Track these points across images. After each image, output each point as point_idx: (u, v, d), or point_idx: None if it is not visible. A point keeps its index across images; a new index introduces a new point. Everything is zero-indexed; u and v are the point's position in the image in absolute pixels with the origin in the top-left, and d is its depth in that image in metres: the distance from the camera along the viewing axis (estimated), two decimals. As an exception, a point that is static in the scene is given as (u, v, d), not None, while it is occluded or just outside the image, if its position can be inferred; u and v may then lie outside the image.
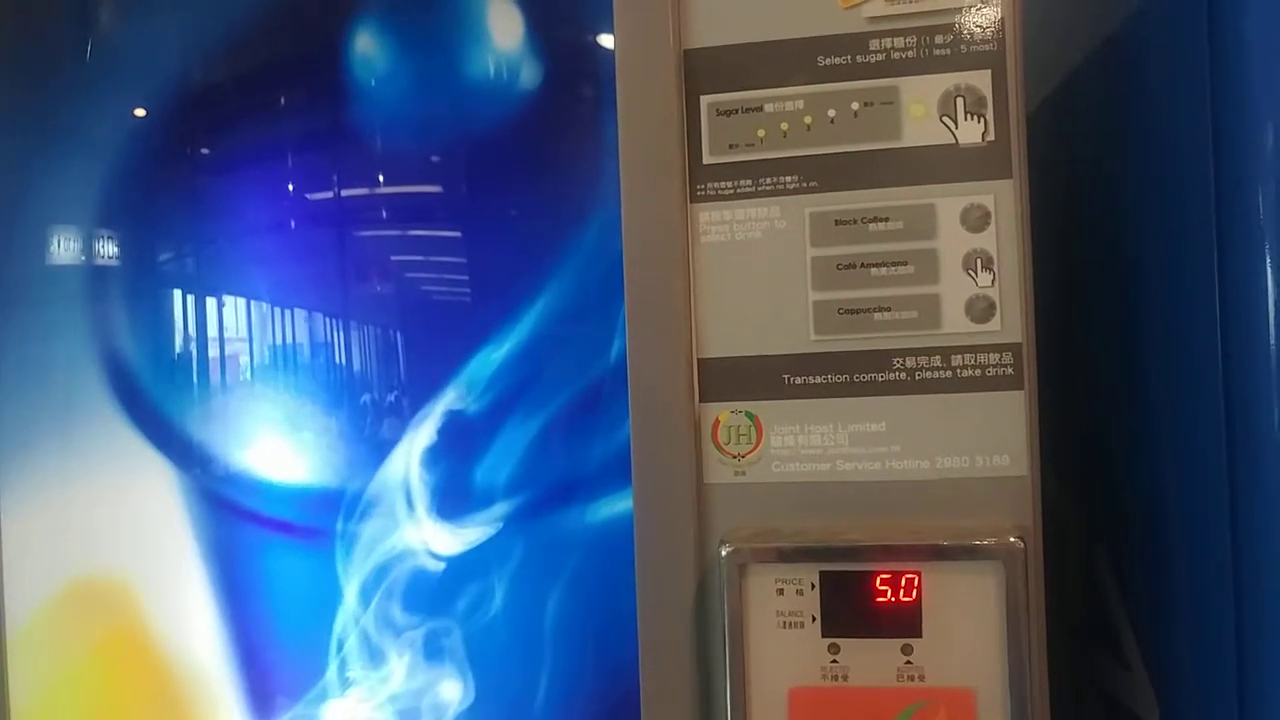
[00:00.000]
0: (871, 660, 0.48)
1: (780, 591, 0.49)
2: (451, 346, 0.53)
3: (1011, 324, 0.50)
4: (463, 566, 0.53)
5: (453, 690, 0.53)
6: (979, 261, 0.50)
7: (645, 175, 0.52)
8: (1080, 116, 0.69)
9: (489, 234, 0.53)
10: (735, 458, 0.52)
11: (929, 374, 0.50)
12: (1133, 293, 0.59)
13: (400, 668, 0.53)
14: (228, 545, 0.56)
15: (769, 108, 0.52)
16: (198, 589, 0.56)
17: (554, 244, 0.52)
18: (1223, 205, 0.47)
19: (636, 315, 0.52)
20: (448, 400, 0.53)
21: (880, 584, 0.48)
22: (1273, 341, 0.44)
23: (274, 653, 0.56)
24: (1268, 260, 0.44)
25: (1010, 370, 0.50)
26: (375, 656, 0.54)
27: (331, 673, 0.55)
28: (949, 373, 0.50)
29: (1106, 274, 0.64)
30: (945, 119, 0.50)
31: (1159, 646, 0.58)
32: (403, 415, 0.53)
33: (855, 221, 0.51)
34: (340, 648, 0.54)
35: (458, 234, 0.53)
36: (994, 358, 0.50)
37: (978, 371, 0.50)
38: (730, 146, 0.52)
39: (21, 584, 0.59)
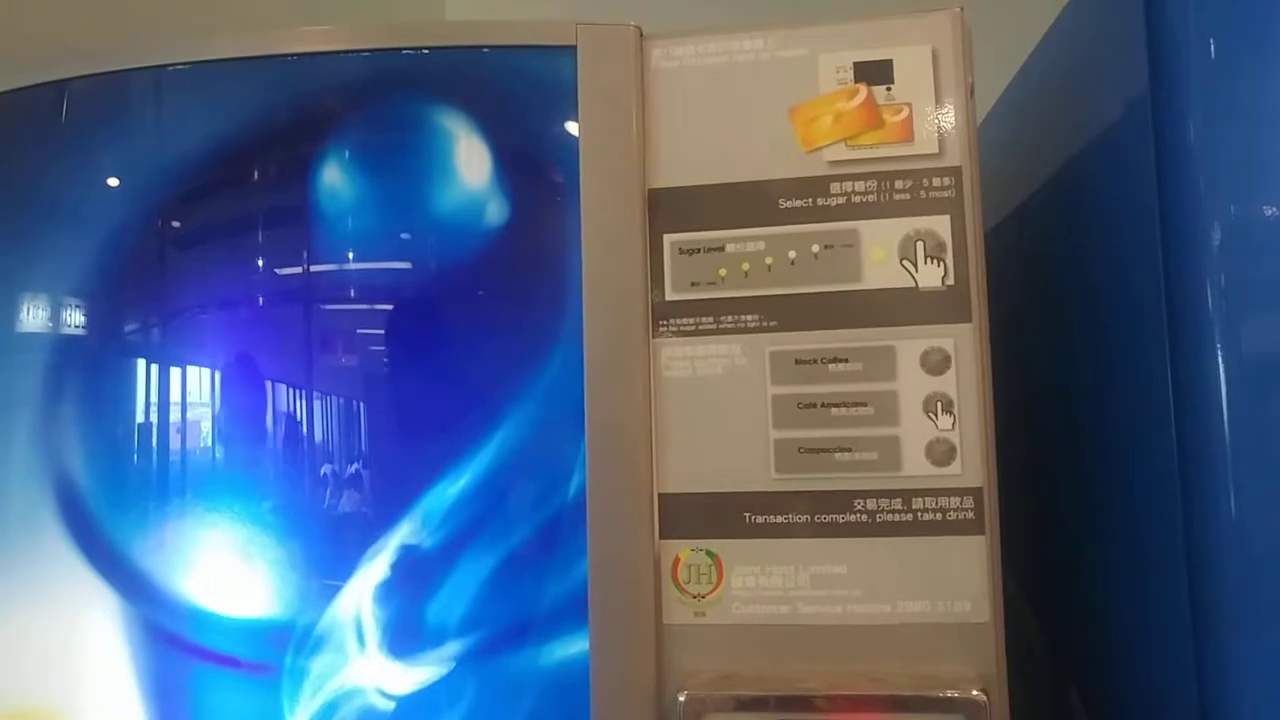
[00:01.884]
0: (833, 819, 0.47)
1: (740, 742, 0.48)
2: (408, 479, 0.52)
3: (972, 467, 0.50)
4: (413, 706, 0.51)
5: (400, 840, 0.51)
6: (939, 404, 0.50)
7: (608, 309, 0.52)
8: (1033, 241, 0.71)
9: (449, 367, 0.53)
10: (695, 598, 0.51)
11: (890, 516, 0.50)
12: (1088, 411, 0.60)
13: (346, 814, 0.51)
14: (170, 680, 0.54)
15: (730, 248, 0.52)
16: (137, 722, 0.54)
17: (515, 378, 0.52)
18: (1173, 302, 0.47)
19: (597, 449, 0.51)
20: (402, 534, 0.52)
21: (840, 736, 0.47)
22: (1227, 438, 0.43)
23: (214, 795, 0.53)
24: (1219, 352, 0.44)
25: (971, 514, 0.49)
26: (320, 800, 0.52)
27: (274, 817, 0.52)
28: (910, 515, 0.50)
29: (1062, 396, 0.64)
30: (905, 263, 0.51)
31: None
32: (356, 549, 0.52)
33: (815, 361, 0.51)
34: (284, 791, 0.52)
35: (418, 366, 0.53)
36: (955, 501, 0.50)
37: (938, 515, 0.50)
38: (692, 284, 0.52)
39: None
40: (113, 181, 0.57)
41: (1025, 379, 0.67)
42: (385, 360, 0.53)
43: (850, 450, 0.50)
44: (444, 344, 0.53)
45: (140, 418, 0.55)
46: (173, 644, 0.54)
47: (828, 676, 0.49)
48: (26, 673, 0.56)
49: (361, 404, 0.54)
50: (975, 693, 0.46)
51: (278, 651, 0.52)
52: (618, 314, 0.52)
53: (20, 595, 0.56)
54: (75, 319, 0.56)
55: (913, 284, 0.51)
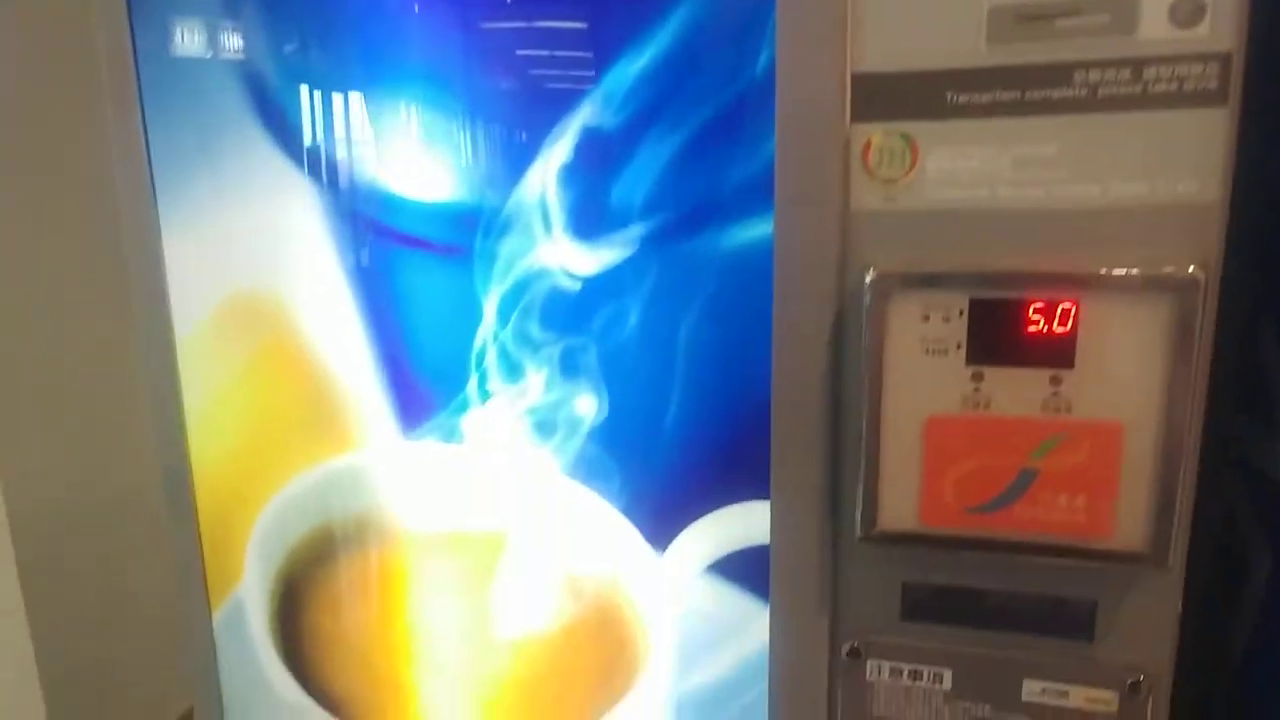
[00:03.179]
0: (1016, 389, 0.46)
1: (926, 318, 0.47)
2: (587, 58, 0.50)
3: (1224, 27, 0.43)
4: (598, 286, 0.53)
5: (588, 405, 0.54)
6: (1193, -45, 0.43)
7: None
8: None
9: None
10: (887, 182, 0.49)
11: (1115, 89, 0.45)
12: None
13: (538, 382, 0.55)
14: (373, 263, 0.57)
15: None
16: (344, 304, 0.59)
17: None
18: None
19: (788, 21, 0.48)
20: (584, 116, 0.51)
21: (1034, 313, 0.46)
22: None
23: (417, 365, 0.58)
24: None
25: (1214, 84, 0.44)
26: (513, 371, 0.56)
27: (472, 385, 0.57)
28: (1139, 88, 0.45)
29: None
30: None
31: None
32: (539, 130, 0.52)
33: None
34: (480, 361, 0.56)
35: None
36: (1196, 69, 0.44)
37: (1174, 86, 0.44)
38: None
39: (184, 299, 0.63)
40: None
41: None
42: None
43: (1078, 13, 0.45)
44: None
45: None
46: (370, 228, 0.57)
47: (1026, 260, 0.47)
48: (245, 263, 0.60)
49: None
50: (1192, 269, 0.44)
51: (468, 234, 0.54)
52: None
53: (230, 193, 0.60)
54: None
55: None
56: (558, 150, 0.52)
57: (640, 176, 0.51)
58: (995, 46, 0.46)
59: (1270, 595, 0.58)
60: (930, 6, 0.47)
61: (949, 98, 0.47)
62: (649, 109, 0.50)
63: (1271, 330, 0.61)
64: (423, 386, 0.58)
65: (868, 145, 0.49)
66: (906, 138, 0.48)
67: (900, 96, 0.48)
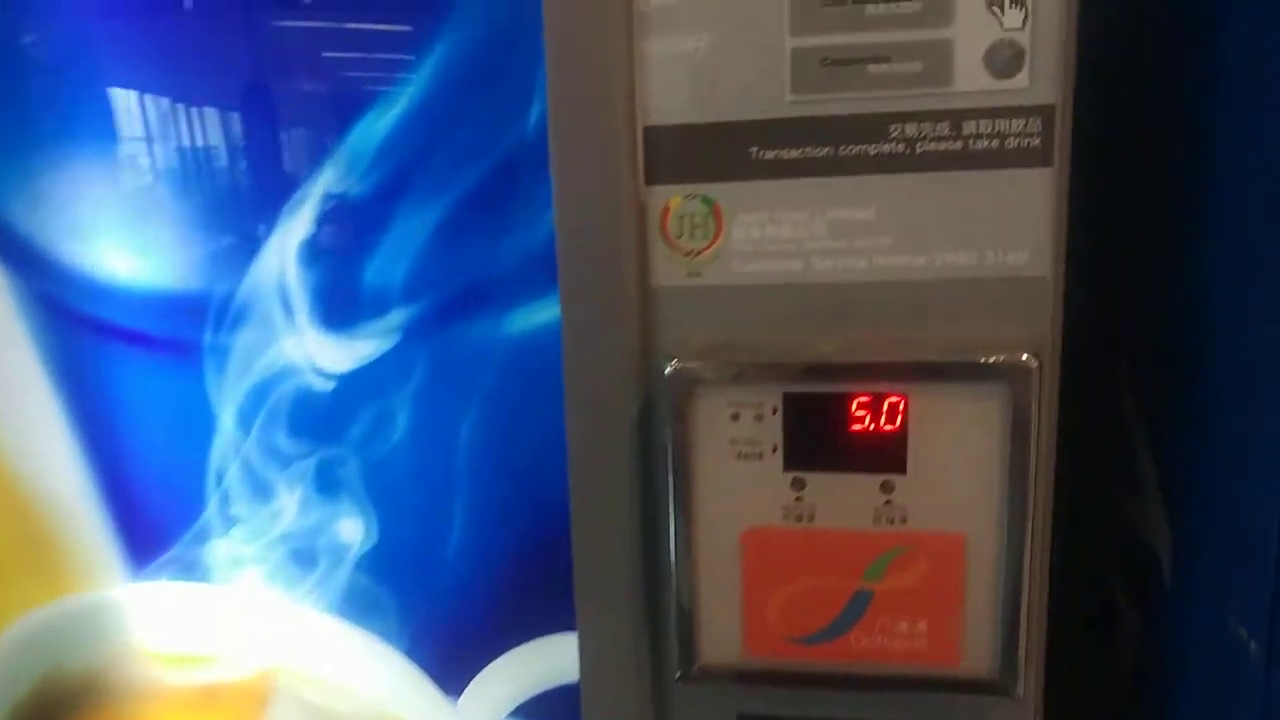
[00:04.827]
0: (844, 499, 0.40)
1: (735, 417, 0.40)
2: (326, 113, 0.41)
3: (1045, 79, 0.38)
4: (356, 385, 0.43)
5: (353, 529, 0.45)
6: (1007, -7, 0.38)
7: None
8: None
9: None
10: (689, 255, 0.42)
11: (934, 145, 0.39)
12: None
13: (291, 503, 0.45)
14: (78, 362, 0.46)
15: None
16: (50, 414, 0.47)
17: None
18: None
19: (561, 68, 0.40)
20: (325, 181, 0.42)
21: (857, 409, 0.39)
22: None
23: (144, 486, 0.47)
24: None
25: (1038, 141, 0.39)
26: (261, 490, 0.45)
27: (212, 509, 0.46)
28: (959, 143, 0.39)
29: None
30: None
31: (1179, 466, 0.50)
32: (273, 199, 0.42)
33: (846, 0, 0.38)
34: (220, 480, 0.46)
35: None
36: (1018, 124, 0.39)
37: (995, 143, 0.39)
38: None
39: None
40: None
41: None
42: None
43: (888, 60, 0.39)
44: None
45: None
46: (73, 321, 0.46)
47: (844, 343, 0.40)
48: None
49: (268, 21, 0.42)
50: (1025, 357, 0.38)
51: (194, 326, 0.44)
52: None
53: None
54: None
55: None
56: (297, 223, 0.42)
57: (399, 252, 0.42)
58: (801, 96, 0.40)
59: (1141, 656, 0.54)
60: (727, 48, 0.40)
61: (753, 154, 0.41)
62: (403, 172, 0.42)
63: (1129, 381, 0.57)
64: (153, 514, 0.47)
65: (666, 211, 0.42)
66: (709, 202, 0.42)
67: (699, 153, 0.41)
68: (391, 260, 0.42)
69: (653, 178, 0.42)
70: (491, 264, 0.42)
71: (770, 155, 0.41)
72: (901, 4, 0.39)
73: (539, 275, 0.42)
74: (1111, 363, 0.57)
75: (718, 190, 0.41)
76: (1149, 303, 0.52)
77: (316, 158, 0.42)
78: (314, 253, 0.43)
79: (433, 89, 0.41)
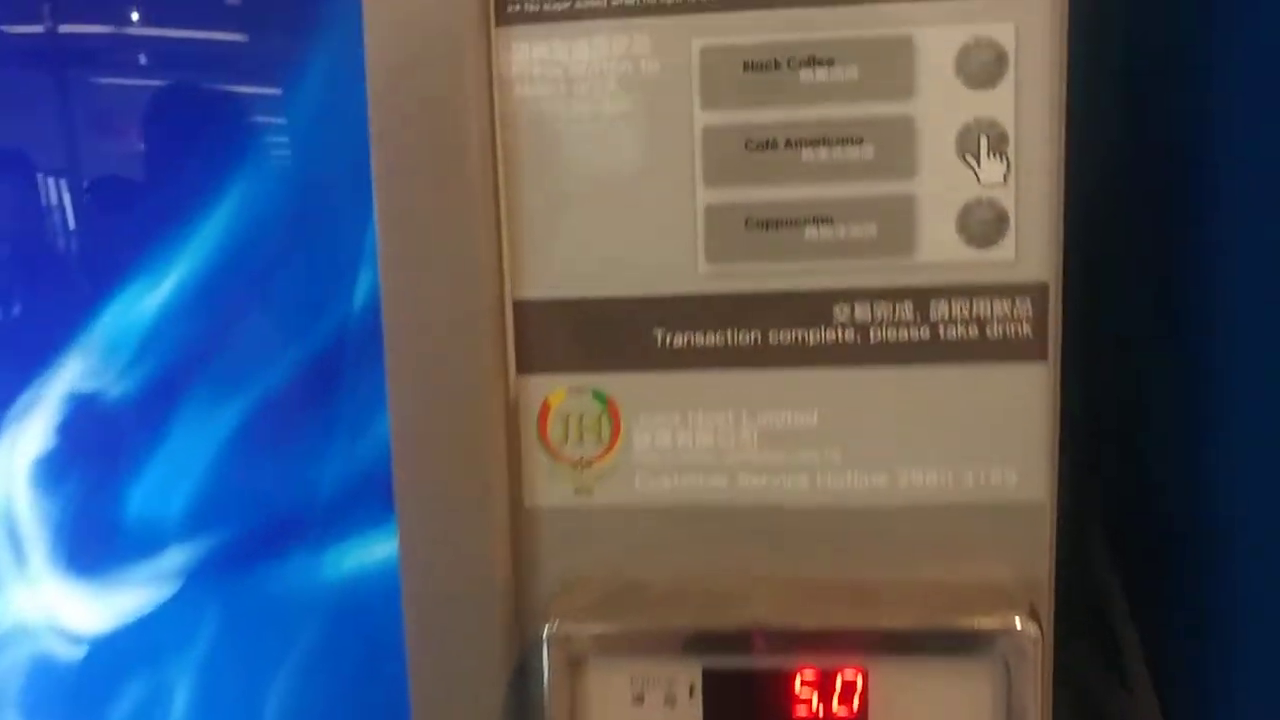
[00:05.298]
0: (786, 812, 0.29)
1: (640, 699, 0.30)
2: (70, 288, 0.30)
3: (1035, 249, 0.29)
4: (117, 651, 0.31)
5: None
6: (985, 140, 0.29)
7: None
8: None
9: (154, 92, 0.30)
10: (577, 466, 0.32)
11: (893, 333, 0.30)
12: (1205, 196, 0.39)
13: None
14: None
15: None
16: None
17: (251, 107, 0.29)
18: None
19: (397, 225, 0.30)
20: (70, 376, 0.30)
21: (801, 687, 0.29)
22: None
23: None
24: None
25: (1027, 328, 0.30)
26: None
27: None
28: (924, 330, 0.30)
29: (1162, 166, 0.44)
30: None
31: (1183, 673, 0.41)
32: (-5, 399, 0.30)
33: (778, 64, 0.29)
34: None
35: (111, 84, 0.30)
36: (1002, 306, 0.30)
37: (973, 330, 0.30)
38: (561, -76, 0.29)
39: None
40: None
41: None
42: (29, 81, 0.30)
43: (831, 221, 0.30)
44: (154, 50, 0.29)
45: None
46: None
47: (782, 598, 0.30)
48: None
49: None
50: (1019, 624, 0.28)
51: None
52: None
53: None
54: None
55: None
56: (28, 433, 0.31)
57: (177, 471, 0.31)
58: (719, 265, 0.30)
59: None
60: (624, 203, 0.30)
61: (659, 338, 0.31)
62: (182, 364, 0.30)
63: (1101, 550, 0.49)
64: None
65: (545, 409, 0.32)
66: (602, 398, 0.31)
67: (589, 336, 0.31)
68: (167, 482, 0.31)
69: (527, 365, 0.31)
70: (308, 484, 0.31)
71: (681, 341, 0.31)
72: (849, 148, 0.29)
73: (372, 498, 0.31)
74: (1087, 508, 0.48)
75: (614, 384, 0.31)
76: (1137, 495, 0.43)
77: (56, 344, 0.30)
78: (54, 473, 0.31)
79: (223, 251, 0.30)
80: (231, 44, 0.30)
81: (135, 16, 0.31)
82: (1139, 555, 0.44)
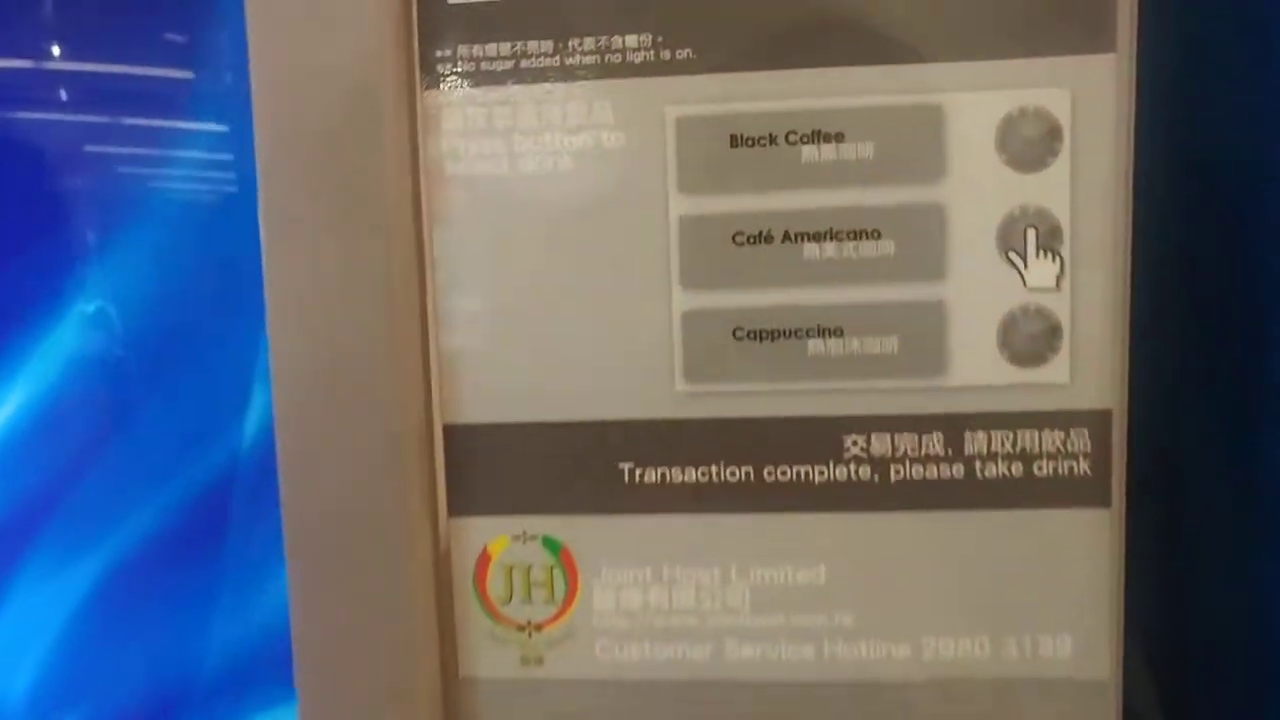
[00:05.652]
0: None
1: None
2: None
3: (1093, 368, 0.24)
4: None
5: None
6: (1033, 234, 0.23)
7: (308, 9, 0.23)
8: None
9: None
10: (523, 630, 0.26)
11: (918, 471, 0.24)
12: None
13: None
14: None
15: None
16: None
17: (113, 190, 0.23)
18: None
19: (295, 333, 0.24)
20: None
21: None
22: None
23: None
24: None
25: (1086, 466, 0.24)
26: None
27: None
28: (957, 468, 0.24)
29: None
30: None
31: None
32: None
33: (773, 138, 0.23)
34: None
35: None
36: (1053, 439, 0.24)
37: (1017, 468, 0.24)
38: (504, -36, 0.23)
39: None
40: None
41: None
42: None
43: (841, 333, 0.24)
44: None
45: None
46: None
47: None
48: None
49: None
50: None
51: None
52: (334, 23, 0.23)
53: None
54: None
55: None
56: None
57: (17, 648, 0.24)
58: (700, 386, 0.24)
59: None
60: (580, 312, 0.24)
61: (626, 475, 0.25)
62: (24, 508, 0.24)
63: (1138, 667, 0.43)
64: None
65: (484, 560, 0.25)
66: (554, 546, 0.25)
67: (539, 470, 0.25)
68: (5, 659, 0.24)
69: (461, 506, 0.25)
70: (184, 660, 0.24)
71: (653, 477, 0.25)
72: (864, 243, 0.24)
73: (266, 675, 0.24)
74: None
75: (569, 529, 0.25)
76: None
77: None
78: None
79: (76, 365, 0.23)
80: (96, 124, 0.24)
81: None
82: (1179, 669, 0.38)
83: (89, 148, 0.25)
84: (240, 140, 0.23)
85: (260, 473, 0.24)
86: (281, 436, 0.24)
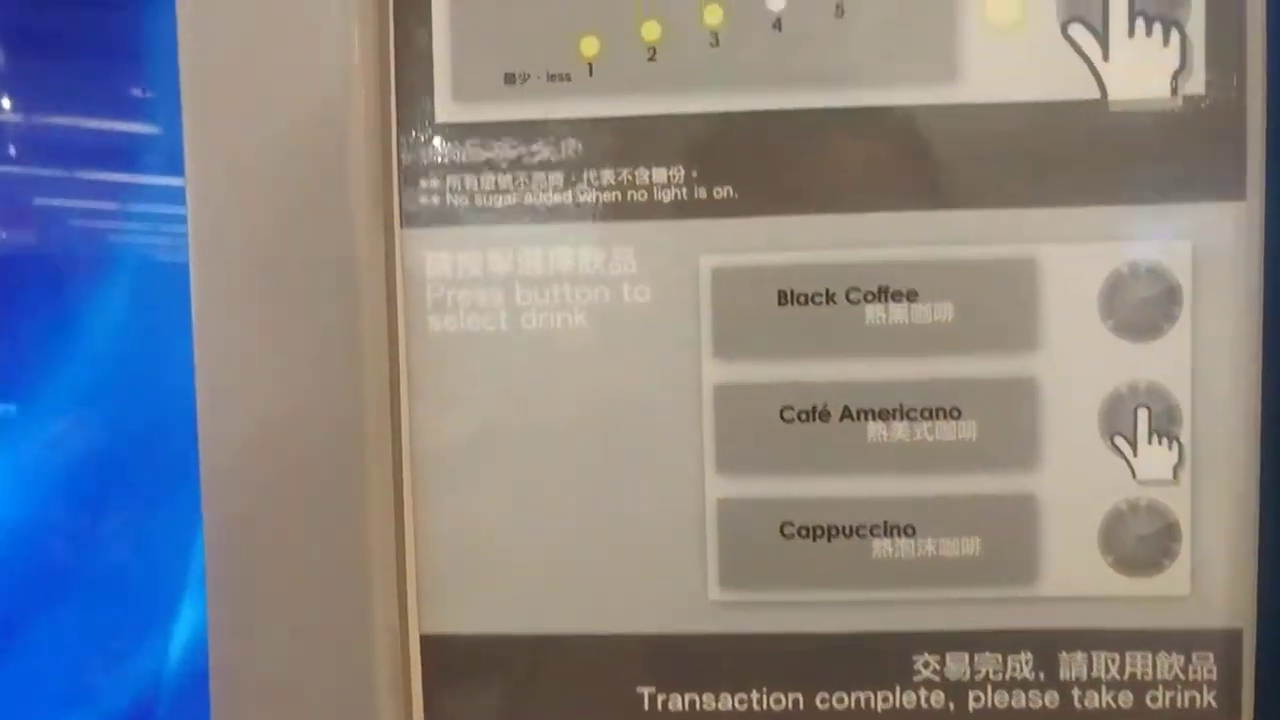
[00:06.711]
0: None
1: None
2: None
3: (1218, 578, 0.19)
4: None
5: None
6: (1144, 415, 0.19)
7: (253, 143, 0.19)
8: None
9: None
10: None
11: (1003, 698, 0.20)
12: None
13: None
14: None
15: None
16: None
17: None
18: None
19: (234, 528, 0.19)
20: None
21: None
22: None
23: None
24: None
25: (1210, 698, 0.20)
26: None
27: None
28: (1051, 695, 0.20)
29: None
30: (1074, 28, 0.19)
31: None
32: None
33: (830, 296, 0.19)
34: None
35: None
36: (1170, 664, 0.20)
37: (1125, 697, 0.20)
38: (508, 79, 0.19)
39: None
40: None
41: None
42: None
43: (913, 531, 0.20)
44: None
45: None
46: None
47: None
48: None
49: None
50: None
51: None
52: (304, 157, 0.19)
53: None
54: None
55: (1096, 87, 0.19)
56: None
57: None
58: (741, 594, 0.20)
59: None
60: (591, 493, 0.20)
61: (647, 700, 0.20)
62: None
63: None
64: None
65: (467, 796, 0.21)
66: (557, 782, 0.21)
67: (538, 692, 0.20)
68: None
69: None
70: None
71: (681, 703, 0.20)
72: (940, 423, 0.19)
73: None
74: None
75: (574, 763, 0.20)
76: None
77: None
78: None
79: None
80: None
81: None
82: None
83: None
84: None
85: (186, 699, 0.19)
86: (215, 654, 0.19)
